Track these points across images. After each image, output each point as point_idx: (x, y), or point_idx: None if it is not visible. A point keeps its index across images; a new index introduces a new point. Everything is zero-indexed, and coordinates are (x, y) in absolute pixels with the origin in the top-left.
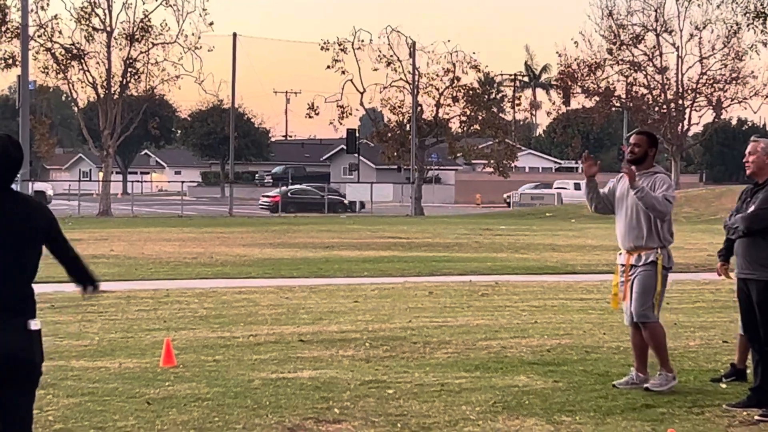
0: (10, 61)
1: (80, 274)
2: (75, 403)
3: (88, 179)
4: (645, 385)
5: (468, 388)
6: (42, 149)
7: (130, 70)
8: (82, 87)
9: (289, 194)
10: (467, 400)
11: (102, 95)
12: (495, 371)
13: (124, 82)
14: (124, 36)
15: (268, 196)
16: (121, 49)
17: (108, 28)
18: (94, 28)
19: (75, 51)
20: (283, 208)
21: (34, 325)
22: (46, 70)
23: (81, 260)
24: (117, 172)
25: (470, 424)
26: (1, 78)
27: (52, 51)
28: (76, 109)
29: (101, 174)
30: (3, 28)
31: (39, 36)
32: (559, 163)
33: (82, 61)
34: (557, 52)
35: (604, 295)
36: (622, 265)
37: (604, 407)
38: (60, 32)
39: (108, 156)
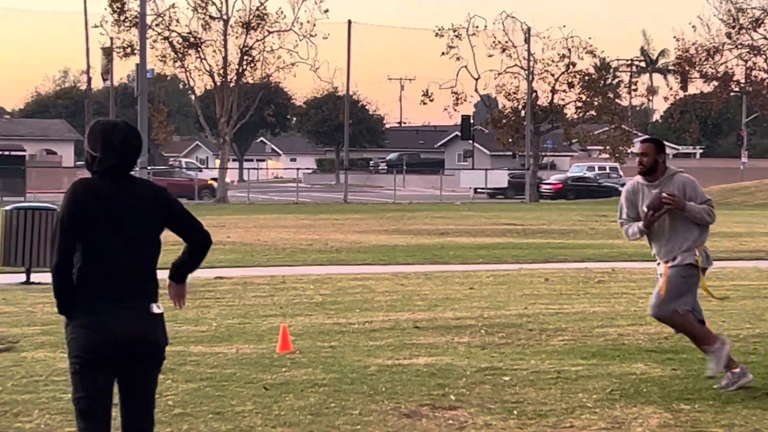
0: (129, 50)
1: (188, 258)
2: (194, 388)
3: (204, 166)
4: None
5: (585, 376)
6: (160, 137)
7: (246, 57)
8: (199, 75)
9: (569, 182)
10: (584, 387)
11: (218, 83)
12: (612, 359)
13: (240, 69)
14: (240, 24)
15: (549, 184)
16: (237, 37)
17: (224, 17)
18: (211, 17)
19: (192, 39)
20: (564, 195)
21: (157, 308)
22: (164, 59)
23: (199, 250)
24: (233, 160)
25: (587, 411)
26: (120, 66)
27: (170, 40)
28: (193, 97)
29: (218, 161)
30: (122, 18)
31: (157, 25)
32: (676, 149)
33: (199, 49)
34: (675, 37)
35: (723, 282)
36: (661, 275)
37: (723, 396)
38: (177, 21)
39: (224, 143)
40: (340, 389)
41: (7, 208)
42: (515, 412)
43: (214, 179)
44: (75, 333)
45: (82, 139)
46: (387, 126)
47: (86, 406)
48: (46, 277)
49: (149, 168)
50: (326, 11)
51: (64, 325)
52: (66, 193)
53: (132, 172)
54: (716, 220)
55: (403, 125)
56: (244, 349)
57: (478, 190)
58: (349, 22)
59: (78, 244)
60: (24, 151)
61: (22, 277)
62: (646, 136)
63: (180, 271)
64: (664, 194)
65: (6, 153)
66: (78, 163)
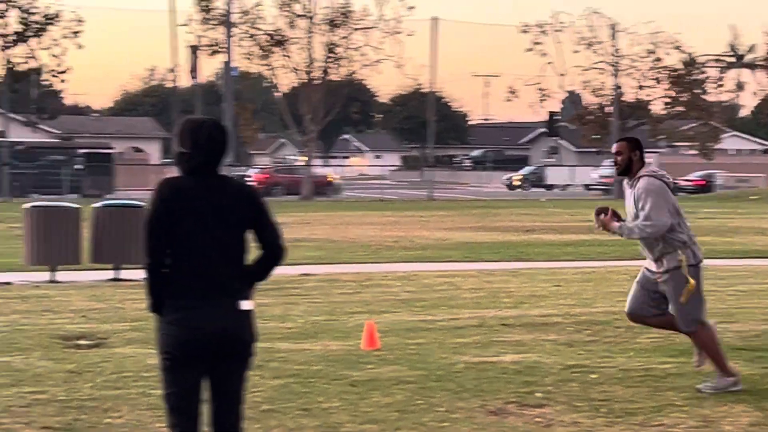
0: (215, 48)
1: (257, 268)
2: (281, 385)
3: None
4: (697, 386)
5: (673, 374)
6: (246, 134)
7: (331, 55)
8: (284, 73)
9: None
10: (673, 385)
11: (304, 81)
12: None
13: (326, 67)
14: (326, 21)
15: (690, 180)
16: (322, 35)
17: (309, 14)
18: (296, 14)
19: (277, 37)
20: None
21: (245, 305)
22: (250, 57)
23: (269, 261)
24: (319, 157)
25: (676, 410)
26: (207, 64)
27: (255, 38)
28: (278, 94)
29: (303, 159)
30: (208, 16)
31: (243, 23)
32: (765, 145)
33: (284, 47)
34: (765, 32)
35: None
36: (651, 272)
37: None
38: (263, 19)
39: (310, 141)
40: (427, 386)
41: (96, 205)
42: (603, 410)
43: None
44: (164, 330)
45: (169, 136)
46: (471, 123)
47: (176, 403)
48: (135, 274)
49: (276, 164)
50: (411, 8)
51: (155, 322)
52: (153, 191)
53: (223, 170)
54: (661, 227)
55: (487, 122)
56: (330, 345)
57: (591, 186)
58: (434, 19)
59: (166, 242)
60: (112, 148)
61: (111, 274)
62: (624, 136)
63: (246, 281)
64: (598, 220)
65: (94, 151)
66: (164, 160)
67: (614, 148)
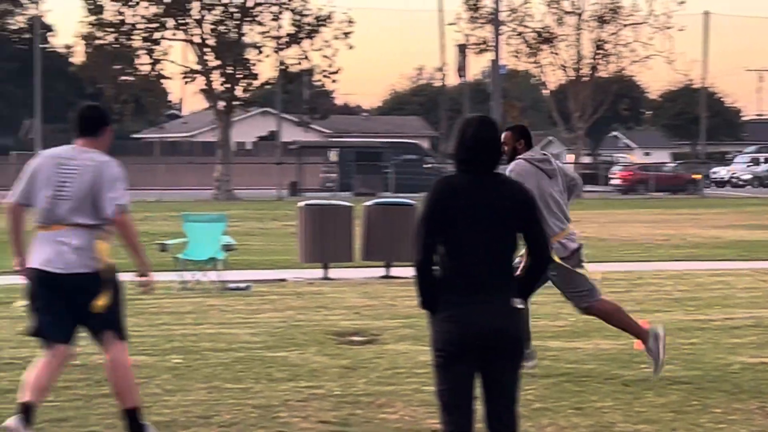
0: (483, 47)
1: (527, 279)
2: (552, 383)
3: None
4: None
5: None
6: None
7: (599, 52)
8: (552, 70)
9: None
10: None
11: (572, 78)
12: None
13: (594, 64)
14: (594, 18)
15: None
16: (591, 31)
17: (578, 11)
18: (564, 12)
19: (545, 35)
20: None
21: (518, 303)
22: (517, 54)
23: (539, 269)
24: (587, 154)
25: None
26: (475, 63)
27: (523, 35)
28: (546, 92)
29: (571, 156)
30: (476, 15)
31: (511, 21)
32: None
33: (553, 44)
34: None
35: None
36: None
37: None
38: (531, 17)
39: (578, 138)
40: (702, 387)
41: (367, 203)
42: None
43: (698, 174)
44: (437, 327)
45: (437, 135)
46: (745, 119)
47: (449, 399)
48: (405, 272)
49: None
50: (682, 3)
51: (427, 320)
52: (429, 190)
53: (498, 170)
54: None
55: (761, 117)
56: (602, 344)
57: None
58: (706, 13)
59: (439, 240)
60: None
61: (382, 272)
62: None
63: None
64: None
65: (364, 150)
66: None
67: (501, 137)
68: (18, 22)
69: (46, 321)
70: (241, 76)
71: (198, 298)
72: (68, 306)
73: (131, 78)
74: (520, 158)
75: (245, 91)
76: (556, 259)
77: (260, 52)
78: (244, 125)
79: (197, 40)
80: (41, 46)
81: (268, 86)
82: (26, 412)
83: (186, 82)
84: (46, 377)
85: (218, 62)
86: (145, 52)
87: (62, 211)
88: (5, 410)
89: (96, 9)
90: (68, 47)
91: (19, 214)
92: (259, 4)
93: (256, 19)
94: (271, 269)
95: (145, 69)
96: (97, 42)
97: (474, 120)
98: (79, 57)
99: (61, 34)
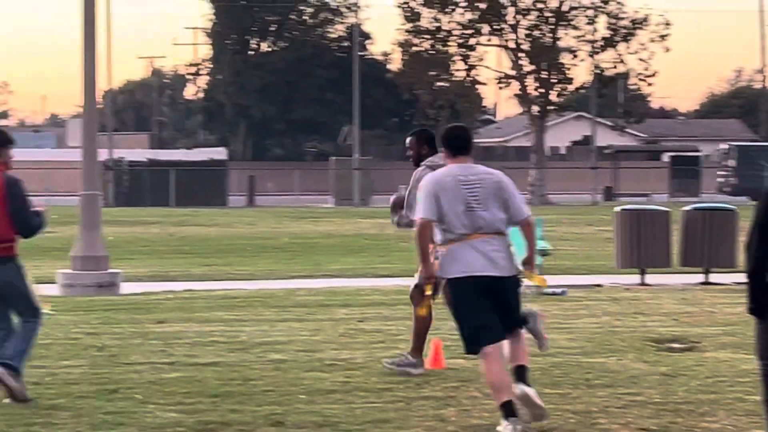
0: None
1: None
2: None
3: None
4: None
5: None
6: None
7: None
8: None
9: None
10: None
11: None
12: None
13: None
14: None
15: None
16: None
17: None
18: None
19: None
20: None
21: None
22: None
23: None
24: None
25: None
26: None
27: None
28: None
29: None
30: None
31: None
32: None
33: None
34: None
35: None
36: None
37: None
38: None
39: None
40: None
41: (686, 208)
42: None
43: None
44: (764, 335)
45: (758, 139)
46: None
47: None
48: (726, 278)
49: None
50: None
51: (755, 327)
52: (761, 195)
53: None
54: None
55: None
56: None
57: None
58: None
59: None
60: (699, 151)
61: (701, 278)
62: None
63: None
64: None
65: (681, 154)
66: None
67: (406, 143)
68: (337, 30)
69: (480, 324)
70: (556, 80)
71: None
72: (495, 306)
73: (446, 84)
74: (422, 168)
75: (559, 95)
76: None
77: (575, 56)
78: (558, 130)
79: (512, 45)
80: (359, 53)
81: (582, 90)
82: (509, 409)
83: (500, 87)
84: (503, 373)
85: (533, 67)
86: (460, 57)
87: (482, 220)
88: (328, 410)
89: (413, 16)
90: (385, 54)
91: (429, 230)
92: (574, 8)
93: (571, 23)
94: (587, 274)
95: (461, 75)
96: (414, 49)
97: None
98: (395, 64)
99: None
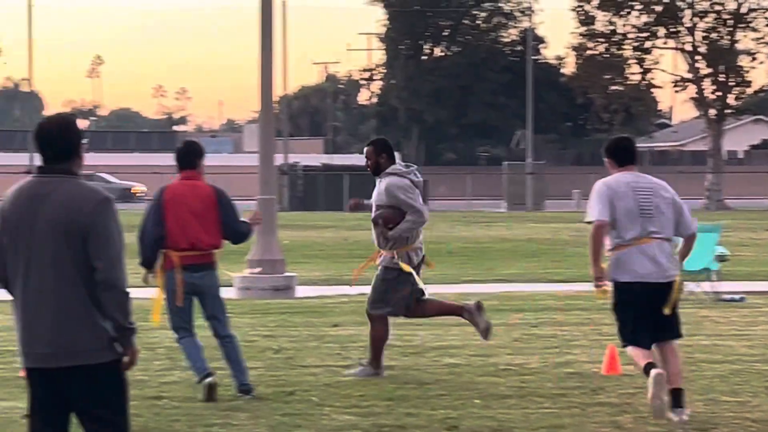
0: None
1: None
2: None
3: None
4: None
5: None
6: None
7: None
8: None
9: None
10: None
11: None
12: None
13: None
14: None
15: None
16: None
17: None
18: None
19: None
20: None
21: None
22: None
23: None
24: None
25: None
26: None
27: None
28: None
29: None
30: None
31: None
32: None
33: None
34: None
35: None
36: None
37: None
38: None
39: None
40: None
41: None
42: None
43: None
44: None
45: None
46: None
47: None
48: None
49: None
50: None
51: None
52: None
53: None
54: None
55: None
56: None
57: None
58: None
59: None
60: None
61: None
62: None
63: None
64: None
65: None
66: None
67: (364, 153)
68: (510, 35)
69: (638, 329)
70: (734, 83)
71: (691, 308)
72: (651, 311)
73: (621, 87)
74: (393, 177)
75: (737, 98)
76: (402, 266)
77: (754, 58)
78: (736, 133)
79: (688, 48)
80: (533, 57)
81: (761, 93)
82: (677, 396)
83: (676, 91)
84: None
85: (710, 70)
86: (635, 61)
87: (653, 226)
88: (503, 414)
89: (587, 20)
90: (559, 58)
91: (604, 231)
92: (753, 10)
93: (750, 25)
94: (766, 281)
95: (636, 78)
96: (588, 52)
97: None
98: (569, 68)
99: (552, 46)
